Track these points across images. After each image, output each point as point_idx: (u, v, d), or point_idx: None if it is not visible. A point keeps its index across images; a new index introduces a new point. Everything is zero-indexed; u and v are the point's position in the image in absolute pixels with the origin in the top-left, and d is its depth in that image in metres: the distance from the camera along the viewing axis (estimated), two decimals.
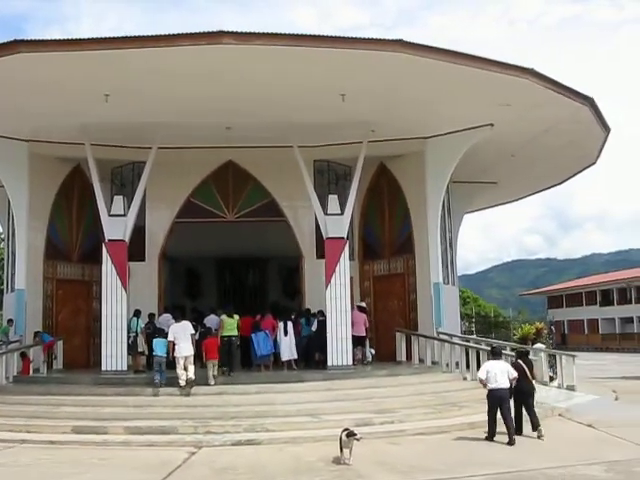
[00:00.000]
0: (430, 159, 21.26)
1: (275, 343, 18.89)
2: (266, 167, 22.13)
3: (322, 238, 20.38)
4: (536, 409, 13.83)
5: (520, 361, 13.80)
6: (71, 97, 17.02)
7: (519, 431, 13.29)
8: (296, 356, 19.02)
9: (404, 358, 20.53)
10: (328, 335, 18.38)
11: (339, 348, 18.33)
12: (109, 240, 18.83)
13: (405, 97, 17.83)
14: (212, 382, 16.43)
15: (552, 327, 52.05)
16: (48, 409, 15.10)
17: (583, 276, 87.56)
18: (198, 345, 17.38)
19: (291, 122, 19.00)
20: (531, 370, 13.93)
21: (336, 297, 18.57)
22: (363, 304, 21.18)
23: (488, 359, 14.50)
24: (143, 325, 19.24)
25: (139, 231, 21.87)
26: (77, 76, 15.76)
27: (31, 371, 18.77)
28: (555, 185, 29.03)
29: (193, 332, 16.91)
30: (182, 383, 15.87)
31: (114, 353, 18.17)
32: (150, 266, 22.28)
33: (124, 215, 19.01)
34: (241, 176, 22.31)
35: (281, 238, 24.11)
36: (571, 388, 18.91)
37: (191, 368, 16.21)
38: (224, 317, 18.29)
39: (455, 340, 19.74)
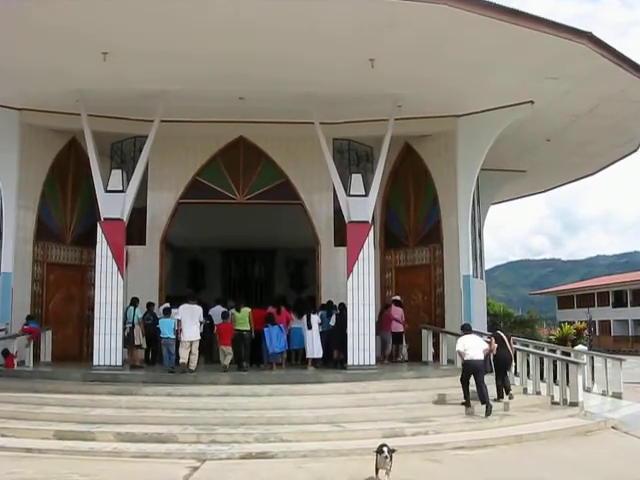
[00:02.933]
0: (462, 140, 19.29)
1: (289, 338, 16.93)
2: (281, 144, 20.18)
3: (341, 224, 18.79)
4: (585, 419, 13.92)
5: (499, 332, 15.24)
6: (65, 53, 14.95)
7: (500, 397, 14.49)
8: (321, 354, 17.08)
9: (430, 358, 18.48)
10: (349, 330, 16.46)
11: (361, 345, 16.40)
12: (105, 219, 16.88)
13: (440, 64, 15.77)
14: (225, 362, 16.02)
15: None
16: (29, 409, 13.13)
17: (588, 278, 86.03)
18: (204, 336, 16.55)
19: (311, 93, 17.01)
20: (509, 340, 15.14)
21: (359, 288, 16.63)
22: (398, 297, 19.41)
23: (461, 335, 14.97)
24: (141, 315, 17.29)
25: (140, 212, 20.02)
26: (72, 27, 13.68)
27: (16, 364, 16.77)
28: (588, 175, 26.94)
29: (202, 317, 16.31)
30: (181, 361, 15.62)
31: (107, 346, 16.26)
32: (151, 251, 20.23)
33: (122, 191, 17.06)
34: (253, 154, 20.27)
35: (294, 224, 22.22)
36: (618, 396, 17.04)
37: (194, 357, 15.84)
38: (233, 312, 16.97)
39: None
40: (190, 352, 15.88)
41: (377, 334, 17.39)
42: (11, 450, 11.03)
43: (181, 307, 16.27)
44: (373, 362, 16.50)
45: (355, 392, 14.38)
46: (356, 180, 17.31)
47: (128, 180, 17.34)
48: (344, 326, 16.59)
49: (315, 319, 17.09)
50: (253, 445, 11.23)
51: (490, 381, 14.38)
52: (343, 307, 17.17)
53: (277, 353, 16.75)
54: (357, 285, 16.65)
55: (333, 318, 17.21)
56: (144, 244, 20.20)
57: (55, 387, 14.45)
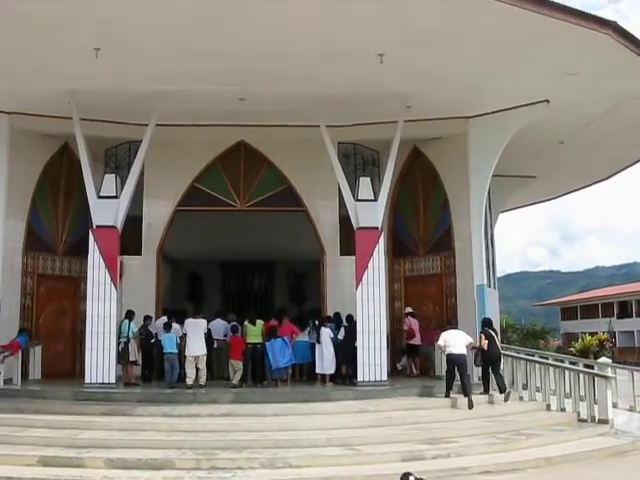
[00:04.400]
0: (473, 142, 18.29)
1: (294, 353, 15.88)
2: (283, 149, 19.12)
3: (347, 232, 17.93)
4: (618, 439, 13.00)
5: (487, 328, 15.49)
6: (52, 48, 13.92)
7: (486, 391, 15.06)
8: (332, 370, 16.03)
9: (444, 373, 17.36)
10: (358, 344, 15.41)
11: (371, 360, 15.34)
12: (97, 226, 15.86)
13: (453, 60, 14.76)
14: (234, 381, 15.48)
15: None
16: (13, 432, 12.00)
17: (587, 289, 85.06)
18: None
19: (315, 93, 16.02)
20: (497, 336, 15.65)
21: (368, 299, 15.61)
22: (411, 309, 18.58)
23: (445, 330, 15.43)
24: (136, 329, 16.25)
25: (135, 221, 18.97)
26: (59, 17, 12.62)
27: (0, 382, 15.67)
28: (601, 180, 25.93)
29: (207, 331, 15.90)
30: (189, 382, 15.16)
31: (100, 362, 15.16)
32: (147, 261, 19.17)
33: (116, 197, 16.04)
34: (254, 159, 19.23)
35: (296, 233, 21.33)
36: None
37: (203, 372, 15.45)
38: (246, 324, 16.50)
39: (508, 352, 16.59)
40: (197, 368, 15.33)
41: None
42: None
43: (186, 321, 15.87)
44: (385, 378, 15.45)
45: (368, 411, 13.32)
46: (364, 184, 16.34)
47: (122, 186, 16.35)
48: (353, 340, 15.55)
49: (326, 332, 16.03)
50: (258, 472, 10.15)
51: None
52: (351, 319, 16.14)
53: (282, 369, 15.69)
54: (367, 296, 15.64)
55: (341, 331, 16.16)
56: (140, 254, 19.18)
57: (42, 407, 13.35)
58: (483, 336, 15.31)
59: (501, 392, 14.75)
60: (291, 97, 16.31)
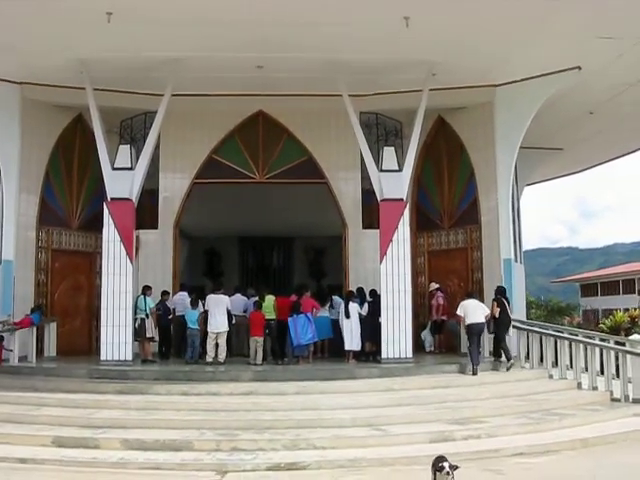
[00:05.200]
0: (500, 112, 17.65)
1: (317, 329, 15.37)
2: (303, 119, 18.58)
3: (369, 205, 17.69)
4: None
5: (500, 297, 15.49)
6: (63, 13, 13.28)
7: (498, 356, 15.16)
8: (359, 347, 15.48)
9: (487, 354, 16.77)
10: (383, 320, 14.87)
11: (396, 336, 14.82)
12: (112, 198, 15.37)
13: (481, 22, 14.02)
14: (257, 361, 15.01)
15: None
16: (27, 410, 11.61)
17: (606, 266, 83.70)
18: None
19: (336, 60, 15.43)
20: (509, 305, 15.62)
21: (393, 273, 15.04)
22: (437, 285, 18.05)
23: (463, 299, 15.50)
24: (153, 305, 15.79)
25: (151, 195, 18.65)
26: None
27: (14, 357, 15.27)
28: (630, 153, 25.11)
29: (229, 307, 15.45)
30: (209, 359, 14.92)
31: (116, 339, 14.75)
32: (163, 236, 18.74)
33: (131, 168, 15.51)
34: (273, 129, 18.70)
35: (316, 206, 20.74)
36: None
37: (222, 349, 15.03)
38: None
39: (536, 329, 15.98)
40: (217, 344, 14.96)
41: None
42: (3, 460, 9.56)
43: (208, 297, 15.57)
44: (410, 355, 14.91)
45: (394, 389, 12.79)
46: (388, 154, 15.70)
47: (137, 158, 15.82)
48: (377, 315, 15.02)
49: (354, 307, 15.46)
50: (281, 454, 9.67)
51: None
52: (375, 294, 15.60)
53: (303, 345, 15.21)
54: (391, 270, 15.07)
55: (365, 307, 15.59)
56: (156, 228, 18.72)
57: (57, 385, 12.97)
58: (495, 304, 15.31)
59: (508, 360, 14.77)
60: (311, 65, 15.74)
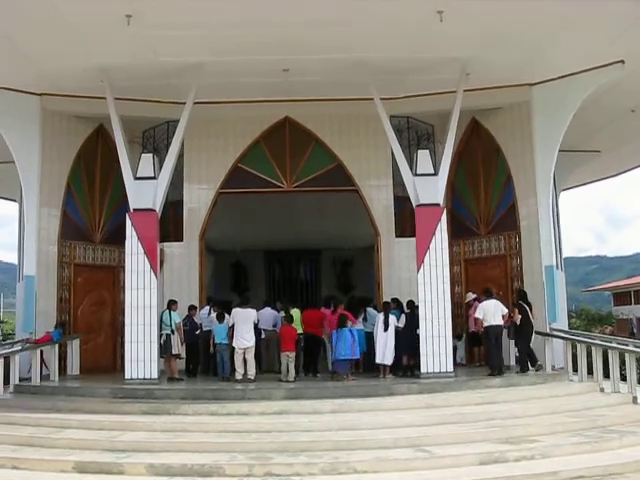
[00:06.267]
0: (538, 112, 16.91)
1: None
2: (331, 124, 18.03)
3: (402, 211, 17.22)
4: None
5: (521, 302, 15.01)
6: (80, 14, 12.73)
7: (526, 368, 14.67)
8: (391, 361, 14.65)
9: (513, 362, 15.94)
10: (421, 332, 14.10)
11: (435, 349, 14.02)
12: (135, 209, 14.76)
13: (516, 18, 13.33)
14: (289, 378, 14.30)
15: None
16: (48, 433, 10.93)
17: (635, 274, 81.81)
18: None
19: (365, 61, 14.89)
20: (531, 310, 15.01)
21: (431, 282, 14.26)
22: (474, 294, 17.01)
23: (481, 300, 15.17)
24: (179, 320, 15.12)
25: (175, 206, 18.16)
26: None
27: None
28: None
29: (256, 321, 14.85)
30: (238, 377, 14.24)
31: (141, 356, 14.10)
32: (189, 248, 18.10)
33: (154, 177, 14.90)
34: (300, 136, 18.06)
35: (345, 217, 20.04)
36: None
37: (251, 365, 14.39)
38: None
39: (583, 338, 15.06)
40: (245, 360, 14.28)
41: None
42: None
43: (233, 311, 14.88)
44: (451, 369, 14.11)
45: (436, 406, 11.94)
46: (423, 157, 14.94)
47: (160, 167, 15.22)
48: (415, 327, 14.23)
49: (393, 319, 14.67)
50: (319, 478, 8.88)
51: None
52: (413, 305, 14.82)
53: (344, 361, 14.38)
54: (429, 279, 14.29)
55: (402, 318, 14.82)
56: (181, 241, 18.13)
57: (79, 406, 12.28)
58: (517, 310, 14.88)
59: (532, 364, 14.69)
60: (339, 67, 15.22)
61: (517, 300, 15.35)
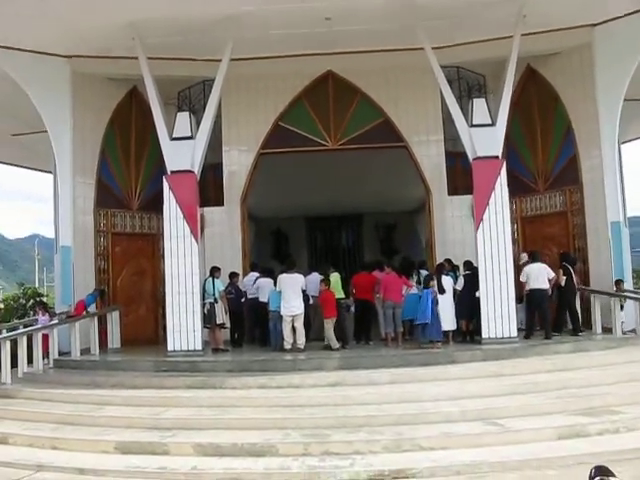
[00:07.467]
0: (601, 55, 15.60)
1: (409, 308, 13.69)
2: (377, 78, 16.87)
3: (453, 168, 16.28)
4: None
5: (566, 264, 14.36)
6: None
7: (559, 330, 14.09)
8: (454, 327, 13.69)
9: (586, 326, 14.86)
10: (482, 294, 13.13)
11: (498, 313, 13.03)
12: (172, 172, 13.94)
13: None
14: (335, 345, 13.46)
15: None
16: (88, 410, 10.29)
17: None
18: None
19: (412, 7, 13.68)
20: (575, 273, 14.46)
21: (491, 241, 13.23)
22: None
23: (526, 264, 14.36)
24: (223, 288, 14.33)
25: (214, 169, 17.28)
26: None
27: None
28: None
29: (304, 287, 13.82)
30: (287, 346, 13.43)
31: (184, 326, 13.36)
32: (230, 212, 17.25)
33: (191, 137, 14.05)
34: (345, 91, 16.97)
35: (395, 173, 19.05)
36: None
37: (301, 334, 13.50)
38: None
39: None
40: (293, 328, 13.46)
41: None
42: (60, 470, 8.31)
43: (280, 277, 13.95)
44: (514, 334, 13.11)
45: (504, 374, 10.98)
46: (479, 105, 13.84)
47: (198, 127, 14.36)
48: (475, 290, 13.25)
49: (449, 281, 13.65)
50: (383, 457, 8.00)
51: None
52: (471, 266, 13.84)
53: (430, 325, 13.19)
54: (489, 237, 13.25)
55: (460, 280, 13.84)
56: (222, 205, 17.29)
57: (120, 381, 11.61)
58: (561, 271, 14.19)
59: (575, 333, 13.94)
60: (386, 12, 14.08)
61: (561, 262, 14.60)
